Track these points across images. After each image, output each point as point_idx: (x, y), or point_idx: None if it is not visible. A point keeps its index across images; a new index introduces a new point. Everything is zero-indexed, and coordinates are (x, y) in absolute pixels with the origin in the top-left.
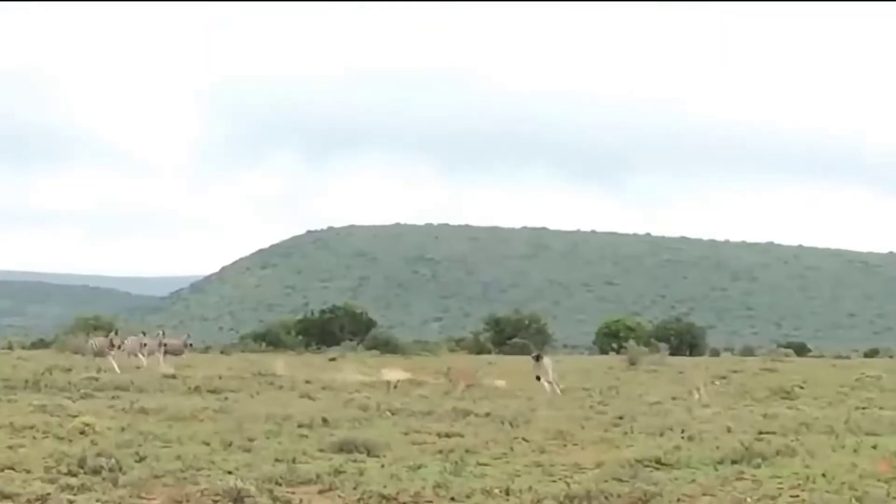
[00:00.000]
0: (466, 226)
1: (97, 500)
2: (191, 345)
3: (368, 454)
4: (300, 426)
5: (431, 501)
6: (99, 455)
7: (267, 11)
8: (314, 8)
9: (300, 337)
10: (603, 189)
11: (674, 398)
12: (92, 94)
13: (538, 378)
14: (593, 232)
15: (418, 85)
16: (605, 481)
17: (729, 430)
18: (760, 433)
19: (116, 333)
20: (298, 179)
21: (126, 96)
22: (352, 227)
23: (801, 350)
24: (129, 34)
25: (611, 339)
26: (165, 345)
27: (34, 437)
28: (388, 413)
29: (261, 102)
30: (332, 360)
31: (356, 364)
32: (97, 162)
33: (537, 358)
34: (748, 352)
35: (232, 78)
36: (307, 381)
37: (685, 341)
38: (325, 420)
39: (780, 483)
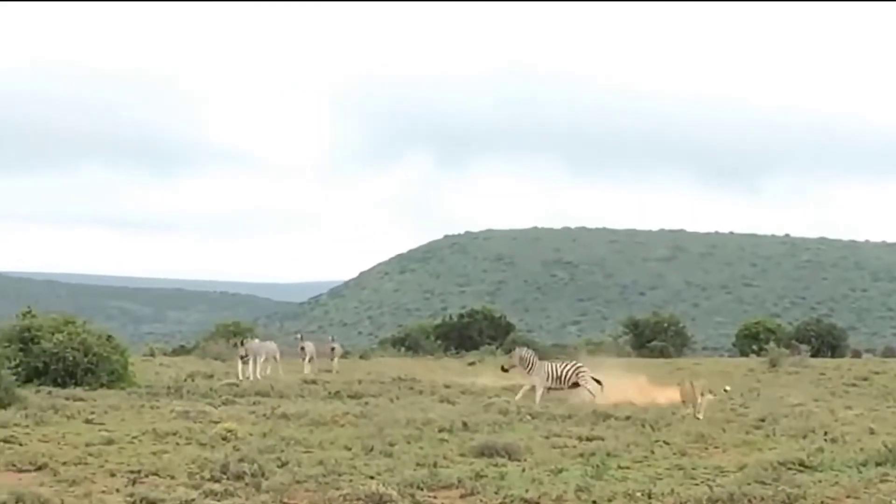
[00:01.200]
0: (604, 229)
1: None
2: (333, 349)
3: (509, 458)
4: (440, 430)
5: None
6: (241, 461)
7: (400, 10)
8: (448, 7)
9: (439, 341)
10: (740, 190)
11: (816, 400)
12: (227, 100)
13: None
14: (731, 233)
15: (552, 86)
16: (748, 484)
17: (872, 431)
18: None
19: (242, 343)
20: (434, 182)
21: (260, 100)
22: (489, 231)
23: None
24: (259, 37)
25: (750, 340)
26: (303, 348)
27: (177, 444)
28: (529, 417)
29: (394, 103)
30: (471, 364)
31: (495, 368)
32: (234, 168)
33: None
34: (890, 353)
35: (365, 79)
36: (447, 386)
37: (826, 343)
38: (465, 424)
39: None
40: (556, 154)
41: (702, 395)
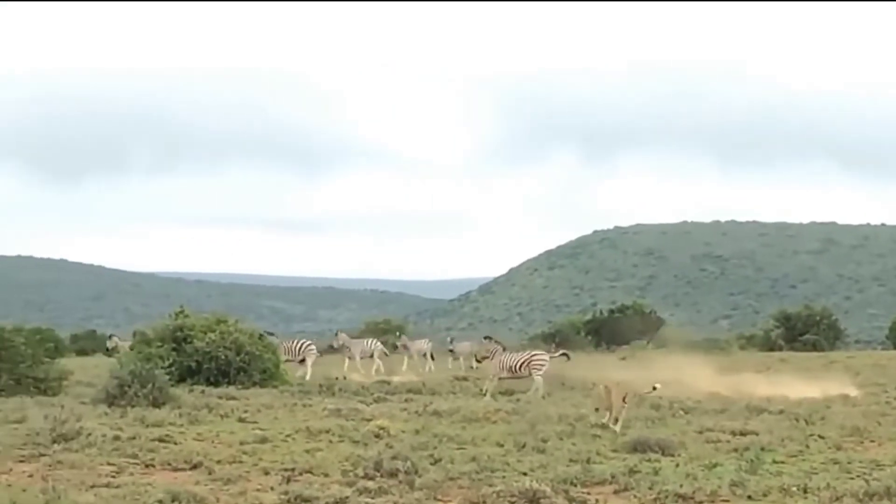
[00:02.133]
0: (754, 222)
1: (394, 503)
2: (451, 350)
3: (662, 453)
4: (593, 426)
5: (728, 500)
6: (394, 458)
7: (545, 4)
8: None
9: (589, 337)
10: (891, 182)
11: None
12: (371, 100)
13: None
14: (883, 225)
15: (696, 79)
16: None
17: None
18: None
19: (399, 335)
20: (580, 178)
21: (405, 99)
22: (639, 225)
23: None
24: (401, 35)
25: None
26: (452, 350)
27: (330, 441)
28: (682, 412)
29: (537, 99)
30: (623, 359)
31: (645, 363)
32: (381, 166)
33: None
34: None
35: (509, 75)
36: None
37: None
38: (618, 420)
39: None
40: (705, 148)
41: (623, 401)
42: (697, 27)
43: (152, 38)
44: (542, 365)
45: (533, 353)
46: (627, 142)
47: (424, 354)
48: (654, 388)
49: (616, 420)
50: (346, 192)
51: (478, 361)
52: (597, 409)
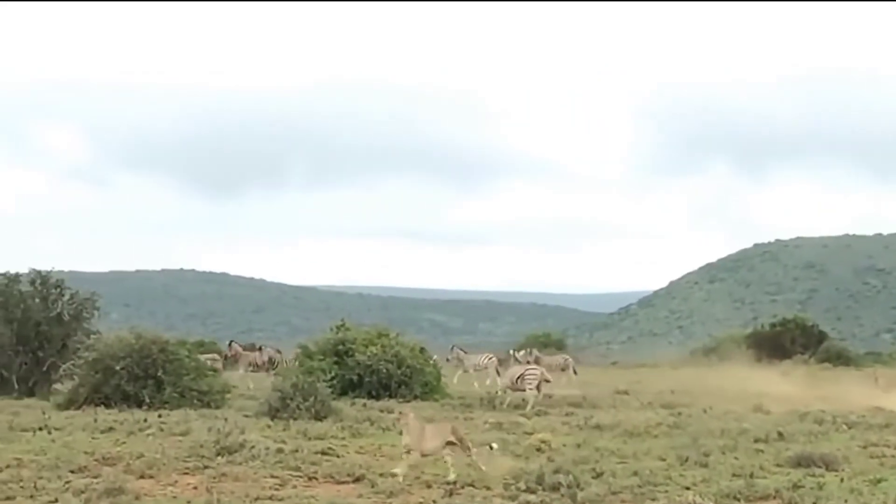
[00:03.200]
0: None
1: None
2: (566, 359)
3: (826, 468)
4: (756, 441)
5: None
6: (556, 472)
7: (693, 14)
8: (747, 9)
9: (750, 351)
10: None
11: None
12: (528, 112)
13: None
14: None
15: (849, 88)
16: None
17: None
18: None
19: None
20: (737, 190)
21: (561, 111)
22: (799, 238)
23: None
24: (557, 48)
25: None
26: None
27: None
28: (845, 427)
29: (691, 111)
30: (785, 374)
31: (808, 378)
32: (539, 178)
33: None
34: None
35: (662, 87)
36: (759, 396)
37: None
38: (780, 434)
39: None
40: (865, 159)
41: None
42: (849, 34)
43: (309, 53)
44: (534, 380)
45: (527, 368)
46: (782, 153)
47: (478, 368)
48: (491, 448)
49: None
50: (504, 204)
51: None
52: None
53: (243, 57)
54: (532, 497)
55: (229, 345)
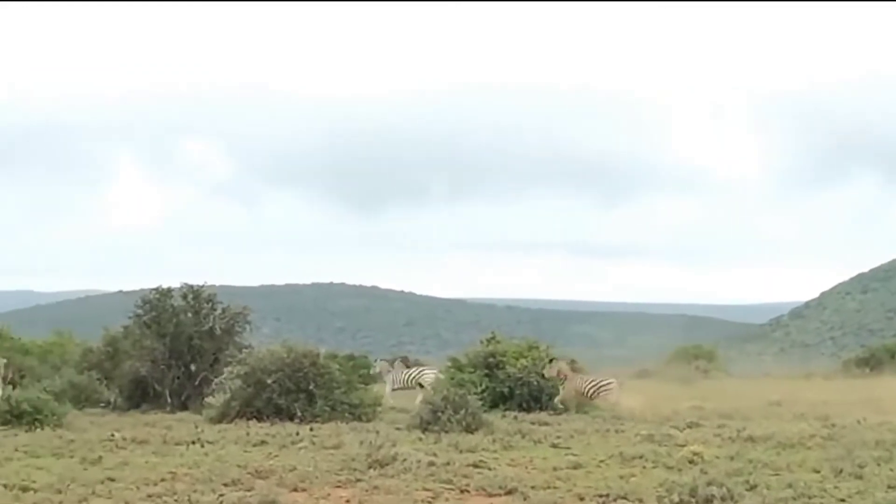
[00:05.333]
0: None
1: None
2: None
3: None
4: None
5: None
6: (710, 484)
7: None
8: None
9: None
10: None
11: None
12: (674, 123)
13: None
14: None
15: None
16: None
17: None
18: None
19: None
20: (888, 198)
21: (708, 122)
22: None
23: None
24: (699, 54)
25: None
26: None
27: (644, 467)
28: None
29: (830, 117)
30: None
31: None
32: (687, 190)
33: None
34: None
35: (806, 92)
36: None
37: None
38: None
39: None
40: None
41: None
42: None
43: (449, 62)
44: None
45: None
46: None
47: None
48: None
49: None
50: (653, 216)
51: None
52: None
53: (381, 65)
54: None
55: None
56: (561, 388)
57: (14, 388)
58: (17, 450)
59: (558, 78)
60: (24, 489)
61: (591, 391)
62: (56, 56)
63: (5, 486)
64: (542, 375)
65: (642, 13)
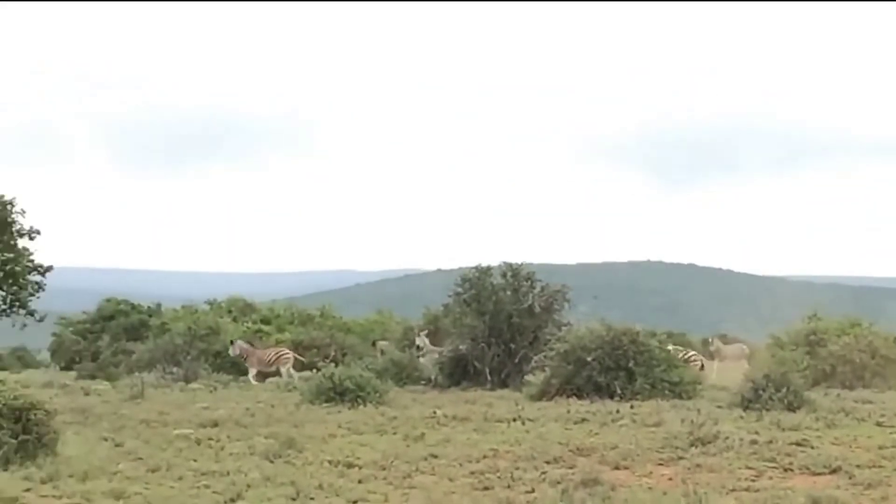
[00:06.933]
0: None
1: None
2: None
3: None
4: None
5: None
6: None
7: None
8: None
9: None
10: None
11: None
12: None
13: None
14: None
15: None
16: None
17: None
18: None
19: None
20: None
21: None
22: None
23: None
24: None
25: None
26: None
27: None
28: None
29: None
30: None
31: None
32: None
33: None
34: None
35: None
36: None
37: None
38: None
39: None
40: None
41: None
42: None
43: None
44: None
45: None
46: None
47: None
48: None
49: None
50: None
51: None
52: None
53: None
54: None
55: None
56: None
57: (336, 365)
58: (340, 427)
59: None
60: (349, 465)
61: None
62: None
63: (330, 462)
64: (864, 352)
65: None
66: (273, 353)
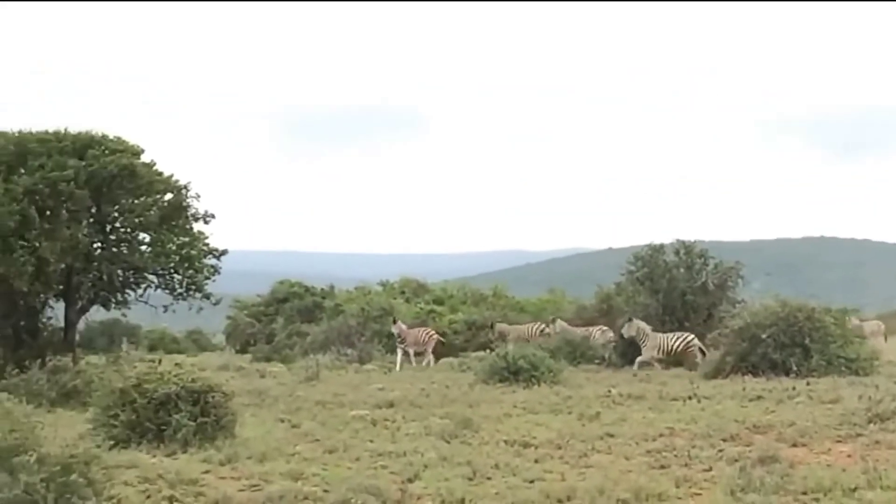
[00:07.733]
0: None
1: None
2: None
3: None
4: None
5: None
6: None
7: None
8: None
9: None
10: None
11: None
12: None
13: None
14: None
15: None
16: None
17: None
18: None
19: None
20: None
21: None
22: None
23: None
24: None
25: None
26: None
27: None
28: None
29: None
30: None
31: None
32: None
33: None
34: None
35: None
36: None
37: None
38: None
39: None
40: None
41: None
42: None
43: None
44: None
45: None
46: None
47: None
48: None
49: None
50: None
51: None
52: None
53: None
54: None
55: None
56: None
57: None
58: (515, 406)
59: None
60: (525, 445)
61: None
62: None
63: (506, 441)
64: None
65: None
66: (424, 334)
